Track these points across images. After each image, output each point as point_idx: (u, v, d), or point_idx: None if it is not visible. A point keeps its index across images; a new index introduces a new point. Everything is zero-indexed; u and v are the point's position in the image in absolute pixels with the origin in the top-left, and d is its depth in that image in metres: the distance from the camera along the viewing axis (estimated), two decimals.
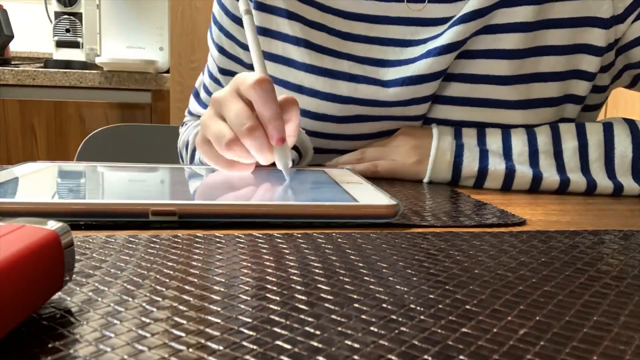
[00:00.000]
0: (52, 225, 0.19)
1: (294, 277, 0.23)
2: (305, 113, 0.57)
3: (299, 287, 0.22)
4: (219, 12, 0.62)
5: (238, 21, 0.60)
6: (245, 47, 0.61)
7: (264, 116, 0.41)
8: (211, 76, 0.66)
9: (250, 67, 0.62)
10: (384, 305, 0.21)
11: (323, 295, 0.21)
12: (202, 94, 0.68)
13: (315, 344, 0.17)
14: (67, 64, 1.65)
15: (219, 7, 0.62)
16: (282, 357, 0.16)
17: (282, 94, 0.57)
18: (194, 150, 0.61)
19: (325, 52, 0.56)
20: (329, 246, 0.28)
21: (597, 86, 0.57)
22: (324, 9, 0.57)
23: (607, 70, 0.55)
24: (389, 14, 0.56)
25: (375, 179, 0.52)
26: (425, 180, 0.52)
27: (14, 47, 1.95)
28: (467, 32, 0.52)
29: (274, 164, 0.43)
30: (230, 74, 0.63)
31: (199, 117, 0.68)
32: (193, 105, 0.69)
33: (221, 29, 0.62)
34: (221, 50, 0.63)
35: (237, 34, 0.61)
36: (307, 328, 0.18)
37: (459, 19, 0.52)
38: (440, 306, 0.21)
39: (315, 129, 0.57)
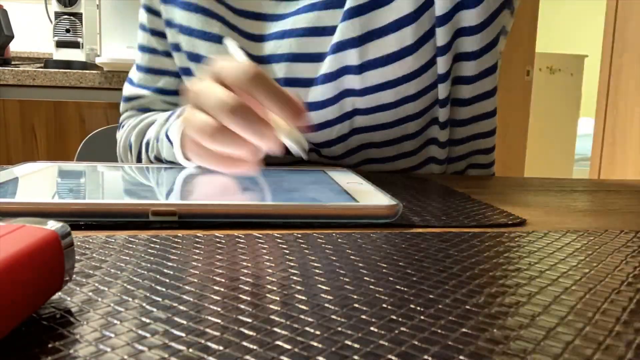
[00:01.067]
0: (52, 225, 0.19)
1: (294, 277, 0.23)
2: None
3: (299, 287, 0.22)
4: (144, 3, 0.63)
5: (151, 11, 0.61)
6: (155, 34, 0.61)
7: (273, 108, 0.36)
8: (143, 49, 0.65)
9: (168, 25, 0.61)
10: (384, 305, 0.21)
11: (323, 295, 0.21)
12: (135, 74, 0.66)
13: (315, 344, 0.17)
14: (67, 64, 1.65)
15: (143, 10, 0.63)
16: (282, 357, 0.16)
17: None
18: (139, 152, 0.59)
19: (198, 11, 0.56)
20: (329, 246, 0.28)
21: None
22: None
23: None
24: None
25: (376, 179, 0.52)
26: None
27: (14, 47, 1.95)
28: None
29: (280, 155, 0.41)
30: (161, 34, 0.62)
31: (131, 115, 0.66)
32: (127, 89, 0.67)
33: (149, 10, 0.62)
34: (150, 10, 0.63)
35: (149, 22, 0.62)
36: (307, 328, 0.18)
37: None
38: (440, 306, 0.21)
39: None
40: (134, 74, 0.66)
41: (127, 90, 0.67)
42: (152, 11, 0.62)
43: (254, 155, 0.38)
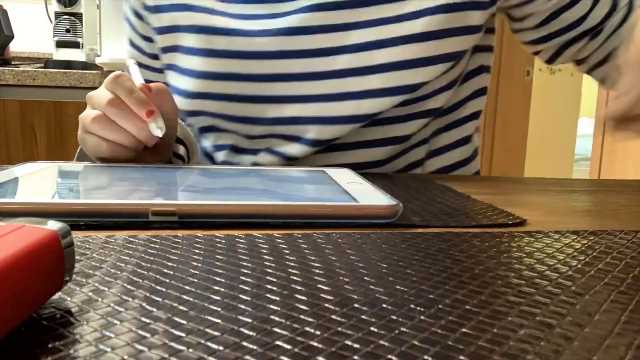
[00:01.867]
0: (52, 225, 0.19)
1: (294, 277, 0.23)
2: (191, 73, 0.59)
3: (299, 287, 0.22)
4: (130, 14, 0.66)
5: (138, 16, 0.65)
6: (145, 39, 0.65)
7: (123, 98, 0.46)
8: (131, 45, 0.70)
9: (152, 57, 0.67)
10: (384, 305, 0.21)
11: (323, 295, 0.21)
12: None
13: (315, 344, 0.17)
14: (67, 64, 1.65)
15: (129, 10, 0.66)
16: (282, 357, 0.16)
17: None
18: None
19: (202, 10, 0.59)
20: (329, 246, 0.28)
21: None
22: (202, 31, 0.60)
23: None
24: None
25: (376, 179, 0.52)
26: None
27: (14, 47, 1.95)
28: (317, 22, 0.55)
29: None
30: (149, 39, 0.66)
31: None
32: None
33: (128, 22, 0.67)
34: (131, 44, 0.67)
35: (138, 26, 0.65)
36: (307, 328, 0.18)
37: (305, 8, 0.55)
38: (440, 306, 0.21)
39: (199, 89, 0.60)
40: None
41: None
42: (139, 17, 0.65)
43: (129, 140, 0.47)
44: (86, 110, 0.50)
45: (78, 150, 1.08)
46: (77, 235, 0.29)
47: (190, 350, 0.17)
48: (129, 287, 0.22)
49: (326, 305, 0.20)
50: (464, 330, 0.19)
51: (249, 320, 0.19)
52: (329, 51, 0.55)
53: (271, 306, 0.20)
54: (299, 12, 0.56)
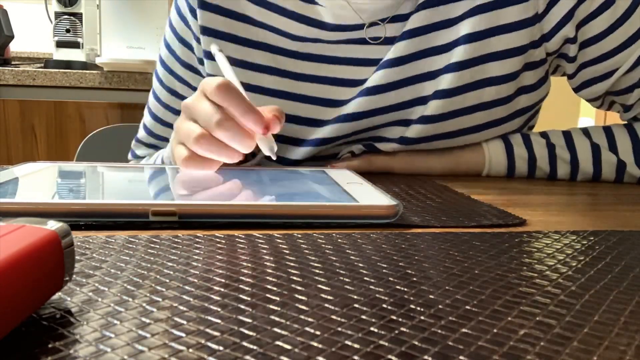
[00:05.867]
0: (52, 225, 0.19)
1: (294, 277, 0.23)
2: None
3: (299, 287, 0.22)
4: (171, 37, 0.64)
5: (188, 46, 0.62)
6: (191, 69, 0.63)
7: (235, 115, 0.43)
8: (158, 100, 0.67)
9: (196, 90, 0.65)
10: (384, 305, 0.21)
11: (323, 295, 0.21)
12: (147, 119, 0.69)
13: (315, 344, 0.17)
14: (67, 64, 1.65)
15: (172, 33, 0.64)
16: (282, 357, 0.16)
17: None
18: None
19: (277, 95, 0.58)
20: (329, 246, 0.28)
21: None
22: (273, 51, 0.58)
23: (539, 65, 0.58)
24: (337, 54, 0.58)
25: (376, 179, 0.52)
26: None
27: (14, 47, 1.95)
28: (390, 79, 0.56)
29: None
30: (177, 95, 0.65)
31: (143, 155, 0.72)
32: (140, 132, 0.71)
33: (171, 50, 0.64)
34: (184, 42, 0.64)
35: (187, 58, 0.63)
36: (307, 328, 0.18)
37: (383, 63, 0.56)
38: (440, 306, 0.21)
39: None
40: (156, 107, 0.68)
41: (140, 133, 0.70)
42: (185, 44, 0.63)
43: (233, 159, 0.44)
44: (185, 121, 0.45)
45: (78, 150, 1.08)
46: (77, 235, 0.29)
47: (190, 350, 0.17)
48: (129, 287, 0.22)
49: (326, 305, 0.20)
50: (464, 330, 0.19)
51: (249, 320, 0.19)
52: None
53: (271, 306, 0.20)
54: (358, 96, 0.57)
